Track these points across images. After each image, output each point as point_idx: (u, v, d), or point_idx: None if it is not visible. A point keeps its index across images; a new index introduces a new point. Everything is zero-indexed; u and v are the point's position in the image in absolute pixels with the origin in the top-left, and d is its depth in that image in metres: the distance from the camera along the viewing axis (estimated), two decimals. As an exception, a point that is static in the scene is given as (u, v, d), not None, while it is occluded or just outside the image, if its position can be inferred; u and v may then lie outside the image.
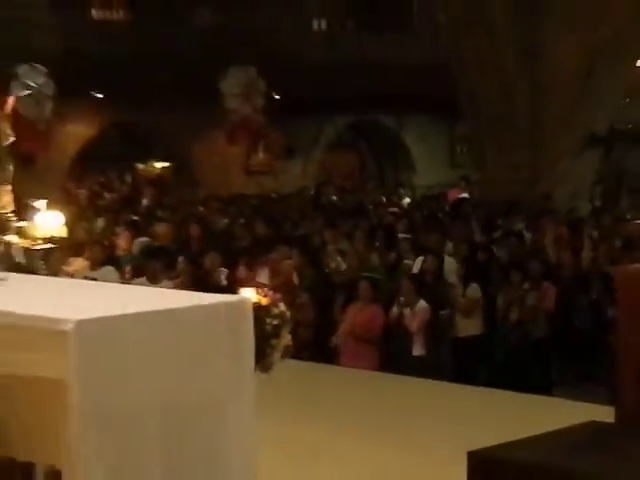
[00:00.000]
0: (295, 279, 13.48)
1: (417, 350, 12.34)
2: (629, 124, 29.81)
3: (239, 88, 25.87)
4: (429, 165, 30.99)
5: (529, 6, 18.89)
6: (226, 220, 19.19)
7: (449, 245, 15.63)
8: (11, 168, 9.32)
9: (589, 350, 12.38)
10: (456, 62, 20.42)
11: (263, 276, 12.93)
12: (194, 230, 17.61)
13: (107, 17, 27.05)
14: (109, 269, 12.16)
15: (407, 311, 12.47)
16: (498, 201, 19.68)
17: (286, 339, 6.62)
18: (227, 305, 6.57)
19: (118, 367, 5.82)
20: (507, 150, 20.12)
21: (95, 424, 5.59)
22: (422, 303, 12.52)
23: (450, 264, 14.00)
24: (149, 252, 14.45)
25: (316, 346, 12.43)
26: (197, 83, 24.92)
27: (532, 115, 19.52)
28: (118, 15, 27.34)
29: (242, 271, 13.66)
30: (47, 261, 9.16)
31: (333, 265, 14.43)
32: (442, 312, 12.93)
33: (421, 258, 14.33)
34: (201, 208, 21.11)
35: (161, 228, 17.50)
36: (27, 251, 9.00)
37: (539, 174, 20.02)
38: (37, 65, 22.41)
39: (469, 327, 12.87)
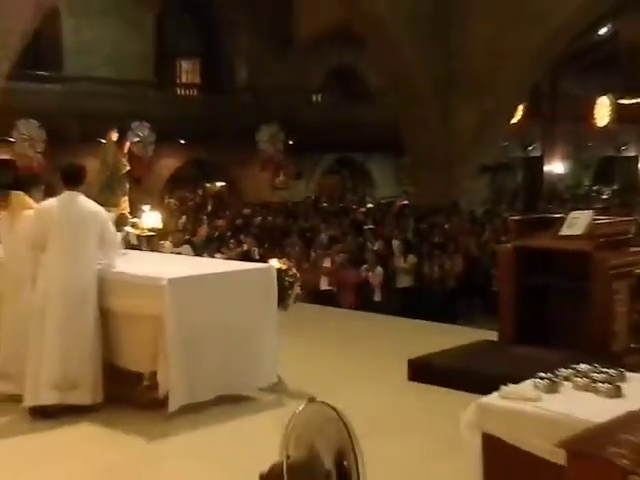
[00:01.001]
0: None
1: (377, 297, 12.33)
2: (506, 159, 29.86)
3: (267, 137, 25.84)
4: (384, 184, 30.80)
5: (444, 86, 18.85)
6: (259, 218, 19.11)
7: (396, 232, 15.61)
8: (127, 186, 9.29)
9: (481, 296, 12.38)
10: (401, 120, 20.33)
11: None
12: (239, 224, 17.58)
13: (186, 94, 27.02)
14: (187, 247, 12.11)
15: (370, 274, 12.46)
16: (426, 206, 19.65)
17: (297, 290, 6.60)
18: (260, 269, 6.65)
19: (194, 306, 5.90)
20: (431, 174, 20.04)
21: (179, 341, 5.65)
22: (379, 268, 12.52)
23: (396, 244, 13.96)
24: (209, 238, 14.54)
25: (318, 294, 12.32)
26: (242, 134, 24.92)
27: (447, 153, 19.45)
28: (192, 93, 27.31)
29: (269, 248, 13.64)
30: (149, 243, 9.13)
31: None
32: (390, 273, 12.90)
33: (380, 241, 14.36)
34: (245, 210, 20.95)
35: (220, 223, 17.52)
36: (138, 237, 8.97)
37: (451, 189, 19.95)
38: (144, 122, 22.43)
39: (408, 282, 12.83)
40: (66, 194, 5.97)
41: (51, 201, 6.00)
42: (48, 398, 5.64)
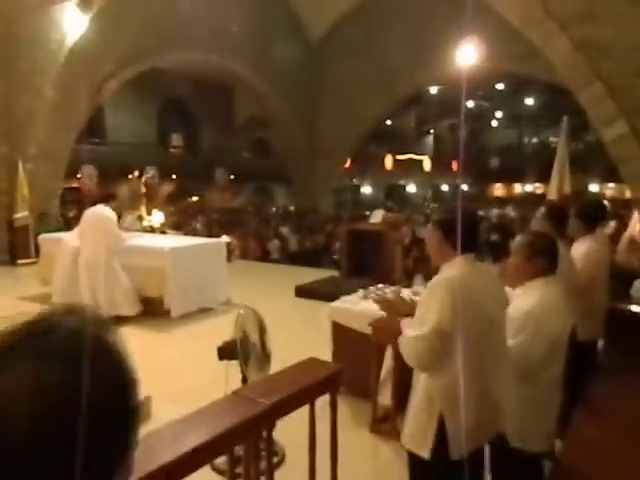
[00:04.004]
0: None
1: (274, 255, 11.89)
2: (342, 185, 29.77)
3: (219, 175, 25.19)
4: (281, 199, 30.47)
5: (312, 151, 18.82)
6: (217, 216, 18.44)
7: (288, 223, 15.43)
8: (144, 200, 8.78)
9: (332, 254, 12.24)
10: (289, 168, 20.16)
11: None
12: (207, 220, 16.85)
13: (175, 152, 25.65)
14: (178, 232, 11.38)
15: (271, 243, 12.12)
16: (302, 210, 19.52)
17: (236, 251, 6.49)
18: (217, 241, 6.49)
19: (183, 261, 5.60)
20: (305, 194, 19.90)
21: (175, 279, 5.45)
22: (276, 241, 12.24)
23: (287, 229, 13.78)
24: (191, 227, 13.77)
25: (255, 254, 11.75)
26: (206, 173, 24.15)
27: (313, 184, 19.35)
28: (179, 152, 25.91)
29: (223, 231, 13.03)
30: (157, 230, 8.52)
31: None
32: (287, 245, 12.60)
33: (284, 228, 14.05)
34: (211, 213, 20.01)
35: (197, 219, 16.75)
36: (150, 227, 8.44)
37: (315, 202, 19.64)
38: (153, 167, 21.19)
39: (295, 248, 12.62)
40: (97, 205, 5.62)
41: (88, 209, 5.65)
42: (109, 312, 5.38)
